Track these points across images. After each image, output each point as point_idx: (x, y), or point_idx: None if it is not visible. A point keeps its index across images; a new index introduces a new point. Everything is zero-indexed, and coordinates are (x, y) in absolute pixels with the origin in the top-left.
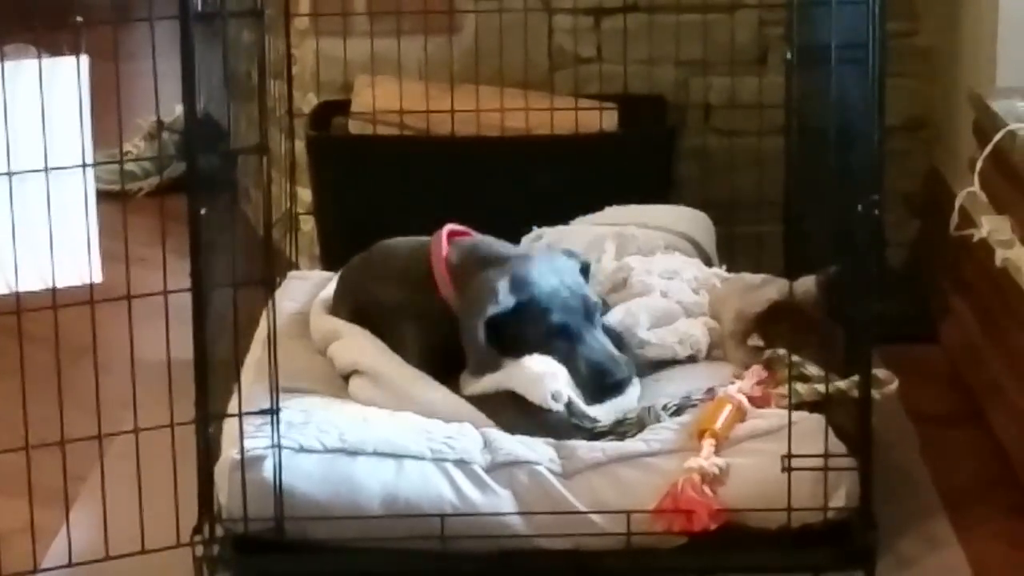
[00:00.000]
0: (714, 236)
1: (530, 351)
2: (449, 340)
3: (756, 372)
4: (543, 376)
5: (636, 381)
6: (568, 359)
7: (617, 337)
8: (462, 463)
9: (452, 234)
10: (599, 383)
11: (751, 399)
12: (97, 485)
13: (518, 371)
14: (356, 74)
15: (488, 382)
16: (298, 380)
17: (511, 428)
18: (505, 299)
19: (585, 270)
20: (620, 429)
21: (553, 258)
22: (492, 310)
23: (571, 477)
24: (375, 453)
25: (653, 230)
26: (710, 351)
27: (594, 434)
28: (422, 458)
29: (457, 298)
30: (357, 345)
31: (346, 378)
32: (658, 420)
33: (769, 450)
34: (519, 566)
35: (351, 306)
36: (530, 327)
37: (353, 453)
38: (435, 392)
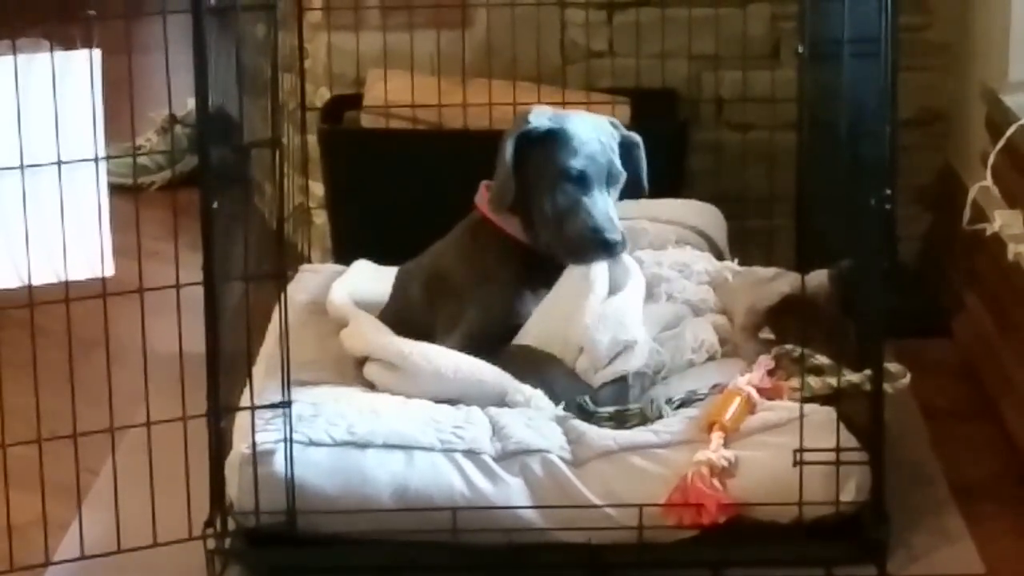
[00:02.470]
0: (725, 230)
1: (542, 189)
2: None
3: (764, 363)
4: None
5: (645, 342)
6: (572, 206)
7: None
8: (472, 453)
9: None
10: (591, 238)
11: (761, 390)
12: (109, 478)
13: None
14: (368, 68)
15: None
16: (309, 371)
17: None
18: (538, 120)
19: (629, 145)
20: (621, 418)
21: (598, 120)
22: (524, 126)
23: (581, 465)
24: (384, 445)
25: (664, 224)
26: (721, 347)
27: (595, 419)
28: (432, 449)
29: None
30: (361, 332)
31: (361, 362)
32: (660, 414)
33: (779, 443)
34: (530, 559)
35: (420, 287)
36: (551, 163)
37: (362, 446)
38: (451, 357)
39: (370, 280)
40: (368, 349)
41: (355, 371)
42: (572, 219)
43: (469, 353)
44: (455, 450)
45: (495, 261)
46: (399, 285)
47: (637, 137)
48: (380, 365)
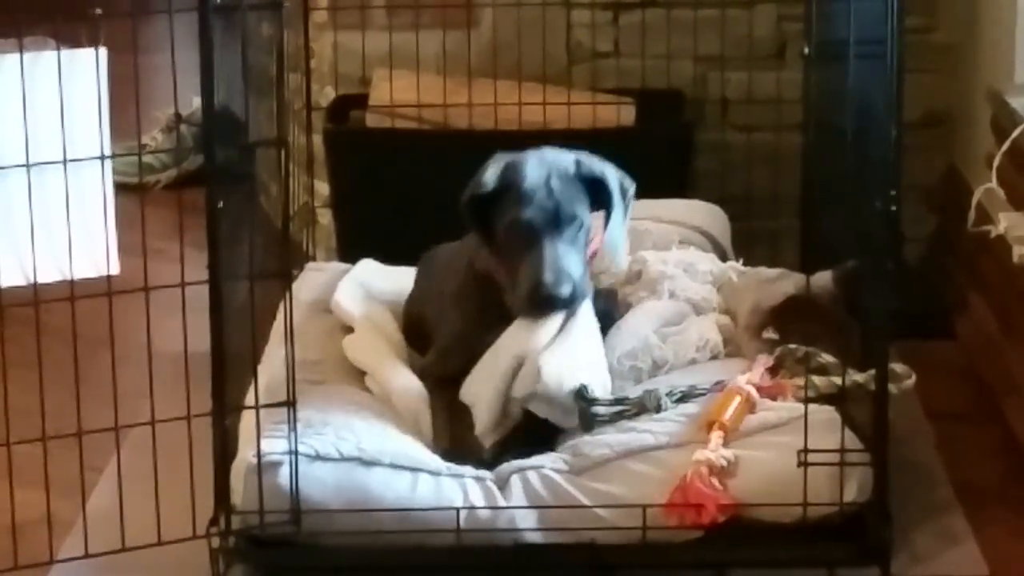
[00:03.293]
0: (729, 230)
1: (496, 239)
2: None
3: (763, 361)
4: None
5: (600, 382)
6: (522, 259)
7: (608, 294)
8: (478, 479)
9: None
10: (536, 294)
11: (761, 389)
12: (113, 476)
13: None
14: (374, 68)
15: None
16: (314, 371)
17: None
18: (489, 180)
19: (593, 180)
20: (618, 409)
21: (557, 160)
22: (474, 190)
23: (581, 475)
24: (391, 465)
25: (668, 224)
26: (724, 346)
27: (592, 416)
28: (438, 473)
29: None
30: (362, 345)
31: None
32: (659, 406)
33: (781, 443)
34: (533, 562)
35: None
36: (502, 215)
37: (369, 463)
38: (404, 396)
39: (376, 279)
40: (362, 367)
41: (359, 372)
42: (522, 273)
43: (433, 373)
44: (462, 476)
45: (477, 303)
46: (423, 273)
47: (602, 171)
48: (374, 380)
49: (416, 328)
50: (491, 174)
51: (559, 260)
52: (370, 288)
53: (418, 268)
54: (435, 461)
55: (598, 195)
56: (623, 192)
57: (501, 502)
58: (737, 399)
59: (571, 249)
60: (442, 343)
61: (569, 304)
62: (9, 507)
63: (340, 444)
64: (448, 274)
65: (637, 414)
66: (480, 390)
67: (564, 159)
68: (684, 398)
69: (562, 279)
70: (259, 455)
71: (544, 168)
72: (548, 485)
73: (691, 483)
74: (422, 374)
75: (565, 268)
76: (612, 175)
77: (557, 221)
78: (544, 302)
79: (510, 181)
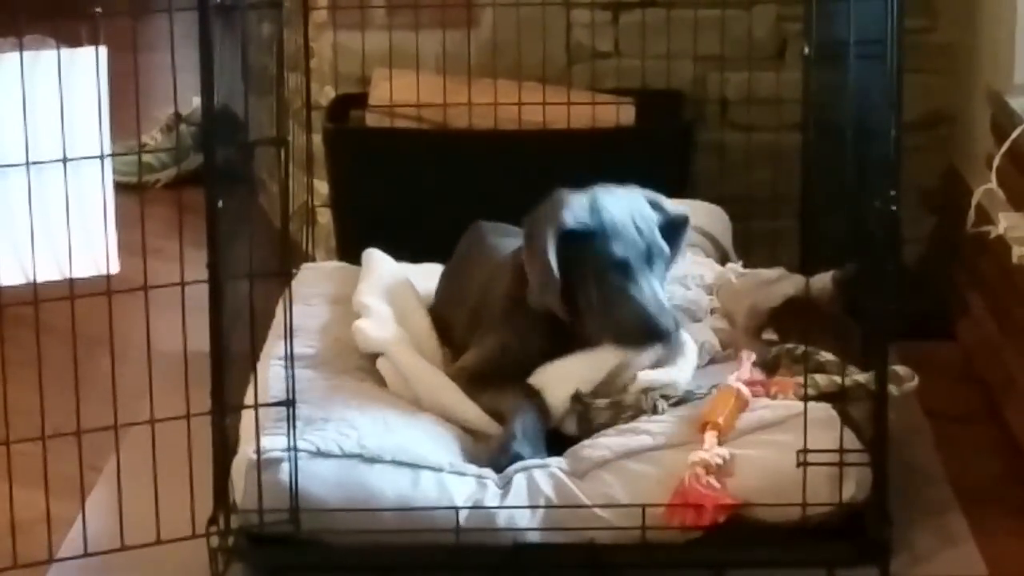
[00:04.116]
0: (730, 231)
1: (584, 283)
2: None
3: (748, 357)
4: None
5: (688, 355)
6: (619, 296)
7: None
8: (480, 478)
9: None
10: (642, 328)
11: (752, 384)
12: (113, 475)
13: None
14: (374, 67)
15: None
16: (313, 370)
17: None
18: (581, 215)
19: (673, 224)
20: (616, 411)
21: (631, 198)
22: (566, 224)
23: (582, 477)
24: (393, 462)
25: None
26: (723, 349)
27: (591, 410)
28: (440, 470)
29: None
30: (381, 328)
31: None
32: (655, 408)
33: (779, 442)
34: (533, 561)
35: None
36: (590, 256)
37: (370, 460)
38: (442, 393)
39: (394, 277)
40: (384, 349)
41: (357, 368)
42: (621, 308)
43: (466, 375)
44: (464, 473)
45: (527, 326)
46: (445, 285)
47: (684, 215)
48: (390, 364)
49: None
50: (575, 213)
51: (658, 295)
52: (395, 295)
53: (444, 274)
54: (437, 457)
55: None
56: (659, 253)
57: (503, 500)
58: (728, 398)
59: (661, 283)
60: (484, 352)
61: (671, 335)
62: (8, 506)
63: (341, 440)
64: (489, 286)
65: (634, 416)
66: (560, 377)
67: (636, 197)
68: (680, 402)
69: (664, 312)
70: (259, 452)
71: (626, 206)
72: (554, 484)
73: (689, 485)
74: (456, 374)
75: (664, 302)
76: (679, 211)
77: (649, 256)
78: (654, 333)
79: (599, 218)
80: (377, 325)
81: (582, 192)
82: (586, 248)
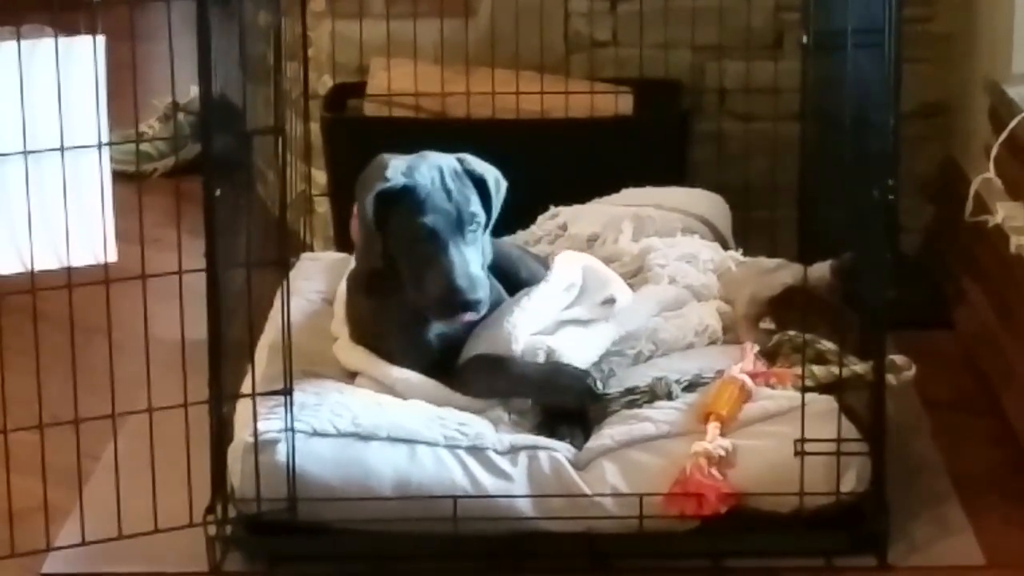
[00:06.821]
0: (730, 219)
1: (400, 249)
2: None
3: (750, 348)
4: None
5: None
6: (427, 267)
7: (508, 259)
8: (475, 449)
9: None
10: (449, 300)
11: (754, 376)
12: (111, 464)
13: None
14: (372, 56)
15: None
16: (310, 362)
17: (491, 391)
18: (395, 176)
19: (481, 182)
20: (630, 398)
21: (446, 162)
22: (382, 184)
23: (584, 467)
24: (388, 438)
25: (670, 212)
26: (724, 334)
27: (603, 402)
28: (435, 444)
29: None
30: (351, 352)
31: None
32: (669, 394)
33: (780, 432)
34: (531, 549)
35: None
36: (403, 221)
37: (366, 438)
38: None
39: None
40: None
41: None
42: (429, 279)
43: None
44: (458, 446)
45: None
46: None
47: (484, 172)
48: (368, 382)
49: None
50: (395, 172)
51: (468, 265)
52: None
53: None
54: (431, 432)
55: (480, 191)
56: (497, 187)
57: (504, 467)
58: (732, 389)
59: (475, 250)
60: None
61: (479, 305)
62: (6, 494)
63: (336, 420)
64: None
65: (649, 401)
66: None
67: (448, 159)
68: (692, 386)
69: (475, 284)
70: (255, 433)
71: (438, 170)
72: (554, 469)
73: (691, 475)
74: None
75: (474, 272)
76: (489, 172)
77: (459, 223)
78: (460, 307)
79: (412, 184)
80: (349, 348)
81: (403, 157)
82: (399, 215)
